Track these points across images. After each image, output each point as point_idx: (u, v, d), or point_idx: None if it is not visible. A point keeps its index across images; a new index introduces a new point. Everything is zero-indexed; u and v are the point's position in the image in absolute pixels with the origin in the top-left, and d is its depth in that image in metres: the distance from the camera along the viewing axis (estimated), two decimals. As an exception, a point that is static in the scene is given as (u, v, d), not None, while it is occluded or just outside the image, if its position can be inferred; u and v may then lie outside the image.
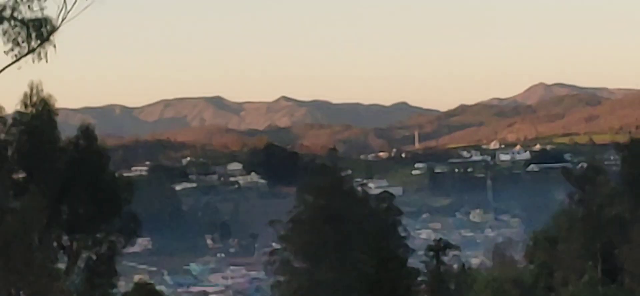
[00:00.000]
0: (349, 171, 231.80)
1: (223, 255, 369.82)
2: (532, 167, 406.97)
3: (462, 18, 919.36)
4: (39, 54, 57.76)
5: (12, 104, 59.54)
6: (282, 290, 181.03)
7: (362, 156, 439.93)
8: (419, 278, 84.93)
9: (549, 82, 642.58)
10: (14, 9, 56.90)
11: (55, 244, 59.16)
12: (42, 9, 56.53)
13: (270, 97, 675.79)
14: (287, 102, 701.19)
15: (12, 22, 56.78)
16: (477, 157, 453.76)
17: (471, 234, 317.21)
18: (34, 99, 58.19)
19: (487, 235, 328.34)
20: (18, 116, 58.12)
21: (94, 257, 59.09)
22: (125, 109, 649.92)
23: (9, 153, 56.30)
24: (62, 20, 56.10)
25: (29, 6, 57.10)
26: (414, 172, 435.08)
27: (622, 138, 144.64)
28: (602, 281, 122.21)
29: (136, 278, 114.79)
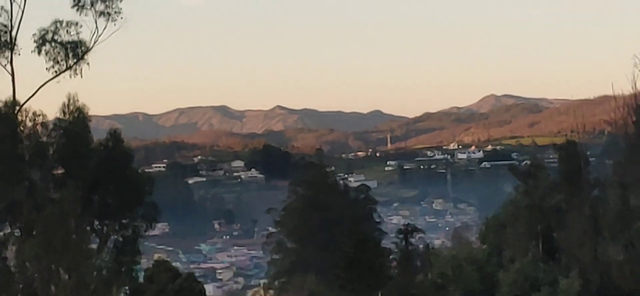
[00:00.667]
0: (333, 168, 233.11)
1: (228, 237, 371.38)
2: (485, 164, 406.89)
3: (426, 37, 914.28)
4: (75, 70, 58.52)
5: (53, 112, 60.86)
6: (277, 266, 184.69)
7: (343, 155, 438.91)
8: (391, 256, 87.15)
9: (499, 93, 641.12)
10: (54, 33, 57.09)
11: (88, 228, 60.15)
12: (77, 33, 57.12)
13: (267, 106, 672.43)
14: (281, 111, 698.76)
15: (53, 44, 57.08)
16: (439, 156, 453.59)
17: (434, 220, 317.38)
18: (71, 107, 58.99)
19: (447, 220, 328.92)
20: (58, 122, 58.87)
21: (121, 239, 60.34)
22: (146, 116, 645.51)
23: (50, 152, 57.96)
24: (94, 42, 57.14)
25: (67, 31, 57.21)
26: (386, 168, 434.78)
27: (559, 140, 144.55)
28: (543, 259, 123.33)
29: (155, 256, 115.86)
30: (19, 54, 56.24)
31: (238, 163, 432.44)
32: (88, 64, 57.68)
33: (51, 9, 58.92)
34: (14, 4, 56.46)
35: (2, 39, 56.60)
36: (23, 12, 55.89)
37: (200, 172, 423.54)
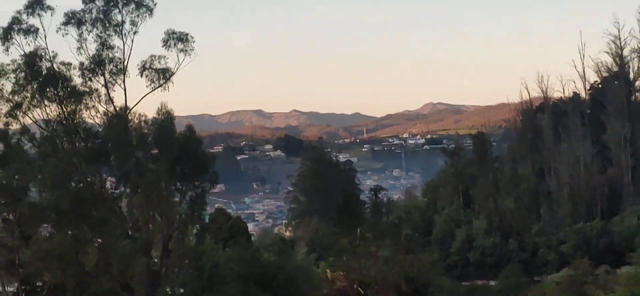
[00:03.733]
0: (328, 149, 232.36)
1: (262, 193, 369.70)
2: (426, 147, 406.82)
3: (387, 57, 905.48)
4: (164, 87, 58.28)
5: (151, 113, 59.41)
6: (293, 212, 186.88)
7: (335, 142, 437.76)
8: (366, 206, 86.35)
9: (435, 101, 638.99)
10: (151, 63, 56.68)
11: (173, 188, 59.62)
12: (165, 62, 56.72)
13: (287, 109, 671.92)
14: (296, 112, 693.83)
15: (150, 70, 56.62)
16: (397, 142, 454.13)
17: (393, 183, 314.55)
18: (162, 110, 57.91)
19: (402, 183, 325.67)
20: (154, 120, 58.37)
21: (194, 195, 59.51)
22: (210, 116, 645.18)
23: (149, 139, 56.93)
24: (177, 69, 56.68)
25: (158, 61, 56.56)
26: (363, 150, 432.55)
27: (474, 132, 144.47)
28: (462, 207, 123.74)
29: (216, 206, 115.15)
30: (128, 76, 55.47)
31: (268, 147, 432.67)
32: (172, 82, 56.47)
33: (150, 45, 57.89)
34: (127, 39, 55.38)
35: (119, 67, 55.50)
36: (131, 49, 54.95)
37: (244, 152, 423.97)
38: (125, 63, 56.44)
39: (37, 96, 53.78)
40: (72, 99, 54.28)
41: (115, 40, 55.03)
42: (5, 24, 53.77)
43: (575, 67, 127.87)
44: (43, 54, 54.28)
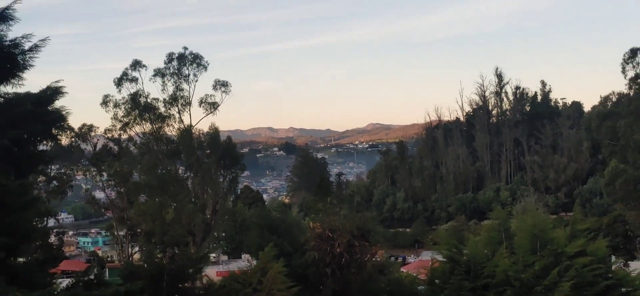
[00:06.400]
0: (311, 151, 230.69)
1: (271, 177, 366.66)
2: (369, 150, 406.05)
3: (346, 91, 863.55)
4: (213, 113, 57.76)
5: (205, 128, 59.11)
6: (290, 188, 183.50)
7: (315, 146, 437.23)
8: (333, 184, 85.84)
9: (374, 121, 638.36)
10: (207, 98, 55.92)
11: (218, 173, 58.18)
12: (214, 99, 56.03)
13: (287, 126, 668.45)
14: (293, 128, 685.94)
15: (205, 103, 56.01)
16: (351, 146, 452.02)
17: (349, 170, 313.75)
18: (212, 127, 56.21)
19: (355, 171, 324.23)
20: (207, 133, 57.64)
21: (231, 177, 58.77)
22: (240, 130, 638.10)
23: (204, 144, 56.43)
24: (221, 101, 55.92)
25: (210, 97, 55.56)
26: (332, 151, 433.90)
27: (397, 141, 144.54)
28: (390, 185, 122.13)
29: (244, 184, 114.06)
30: (192, 107, 54.96)
31: (275, 149, 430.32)
32: (218, 111, 55.84)
33: (205, 87, 57.69)
34: (191, 84, 54.88)
35: (186, 101, 54.85)
36: (194, 89, 54.57)
37: (261, 152, 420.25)
38: (190, 99, 55.93)
39: (137, 118, 53.57)
40: (159, 120, 53.95)
41: (184, 85, 54.56)
42: (118, 75, 53.62)
43: (457, 102, 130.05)
44: (141, 93, 54.05)
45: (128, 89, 53.77)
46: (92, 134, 54.43)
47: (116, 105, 53.26)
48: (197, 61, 54.31)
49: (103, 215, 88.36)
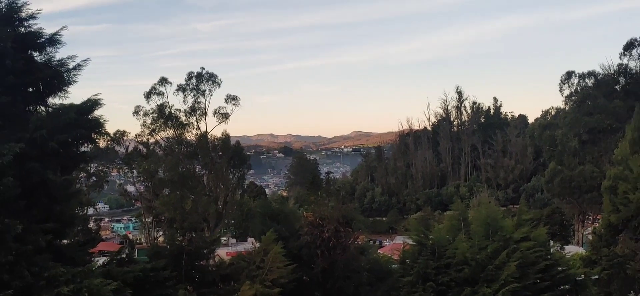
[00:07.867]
0: (305, 154, 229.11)
1: (272, 175, 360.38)
2: (352, 153, 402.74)
3: (334, 103, 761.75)
4: (225, 122, 56.79)
5: (218, 134, 58.33)
6: (288, 183, 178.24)
7: (309, 150, 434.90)
8: (323, 181, 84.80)
9: (357, 129, 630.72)
10: (220, 110, 54.91)
11: (229, 171, 57.47)
12: (225, 109, 55.34)
13: (285, 133, 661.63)
14: (292, 136, 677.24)
15: (218, 114, 55.28)
16: (338, 150, 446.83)
17: (337, 169, 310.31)
18: (224, 133, 55.83)
19: (340, 171, 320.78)
20: (220, 138, 56.65)
21: (239, 175, 57.95)
22: (247, 136, 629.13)
23: (217, 148, 55.84)
24: (232, 113, 55.18)
25: (222, 109, 54.58)
26: (322, 154, 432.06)
27: (375, 146, 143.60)
28: (370, 182, 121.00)
29: (249, 181, 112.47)
30: (207, 116, 54.53)
31: (276, 152, 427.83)
32: (229, 120, 55.25)
33: (219, 100, 57.12)
34: (207, 98, 54.58)
35: (203, 112, 54.42)
36: (209, 102, 54.24)
37: (264, 154, 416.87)
38: (206, 110, 55.55)
39: (163, 125, 52.98)
40: (180, 127, 53.36)
41: (201, 98, 54.09)
42: (147, 90, 53.25)
43: (425, 114, 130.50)
44: (166, 104, 53.49)
45: (155, 101, 53.29)
46: (125, 138, 54.58)
47: (145, 114, 52.91)
48: (212, 78, 54.09)
49: (133, 205, 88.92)
